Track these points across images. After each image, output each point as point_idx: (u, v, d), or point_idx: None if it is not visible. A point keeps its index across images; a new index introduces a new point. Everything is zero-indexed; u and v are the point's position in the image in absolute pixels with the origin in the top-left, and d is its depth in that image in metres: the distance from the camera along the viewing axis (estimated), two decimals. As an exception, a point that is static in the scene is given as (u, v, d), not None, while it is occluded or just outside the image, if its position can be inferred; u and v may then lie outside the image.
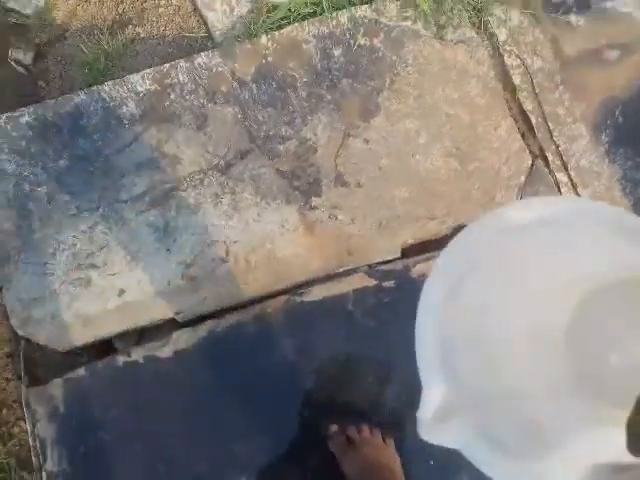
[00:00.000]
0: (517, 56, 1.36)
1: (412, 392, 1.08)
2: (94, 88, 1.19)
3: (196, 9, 1.37)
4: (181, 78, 1.21)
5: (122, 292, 1.09)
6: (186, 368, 1.07)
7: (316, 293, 1.13)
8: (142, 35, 1.36)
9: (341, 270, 1.16)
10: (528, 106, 1.33)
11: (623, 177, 1.32)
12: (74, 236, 1.11)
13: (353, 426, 1.03)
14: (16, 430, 1.13)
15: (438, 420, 0.39)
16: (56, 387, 1.03)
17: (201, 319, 1.11)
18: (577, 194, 1.30)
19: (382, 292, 1.15)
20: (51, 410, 1.02)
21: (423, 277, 1.16)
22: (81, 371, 1.04)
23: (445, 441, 0.41)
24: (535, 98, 1.34)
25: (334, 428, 1.04)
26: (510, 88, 1.33)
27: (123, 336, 1.10)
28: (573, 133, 1.32)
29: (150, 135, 1.17)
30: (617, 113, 1.35)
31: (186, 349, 1.07)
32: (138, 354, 1.06)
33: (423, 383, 0.41)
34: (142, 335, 1.12)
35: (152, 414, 1.05)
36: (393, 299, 1.14)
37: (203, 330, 1.08)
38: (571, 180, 1.30)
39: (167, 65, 1.22)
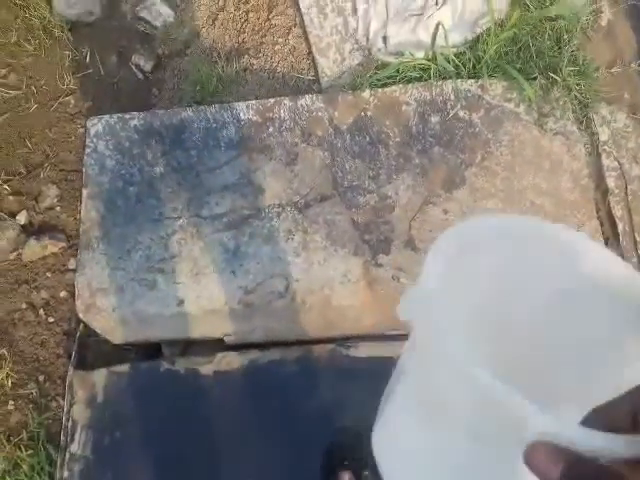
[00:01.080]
0: (615, 159, 1.35)
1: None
2: (202, 107, 1.27)
3: (310, 52, 1.45)
4: (282, 114, 1.27)
5: (181, 302, 1.14)
6: (222, 389, 1.09)
7: (363, 350, 1.14)
8: (255, 66, 1.45)
9: (392, 333, 1.16)
10: (617, 212, 1.30)
11: None
12: (151, 239, 1.18)
13: None
14: (53, 405, 1.19)
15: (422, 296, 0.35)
16: (100, 376, 1.08)
17: (247, 346, 1.13)
18: None
19: (428, 364, 1.13)
20: (90, 396, 1.07)
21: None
22: (126, 367, 1.09)
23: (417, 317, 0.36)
24: (626, 205, 1.31)
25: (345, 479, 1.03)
26: (602, 189, 1.32)
27: (172, 344, 1.15)
28: (658, 248, 1.28)
29: (242, 161, 1.24)
30: None
31: (227, 372, 1.10)
32: (181, 365, 1.10)
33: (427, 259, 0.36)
34: (188, 347, 1.16)
35: (181, 424, 1.08)
36: (438, 374, 1.12)
37: (247, 357, 1.11)
38: None
39: (272, 100, 1.29)
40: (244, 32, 1.51)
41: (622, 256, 1.27)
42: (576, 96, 1.36)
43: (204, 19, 1.58)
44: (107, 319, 1.13)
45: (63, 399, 1.12)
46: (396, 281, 1.18)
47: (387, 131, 1.27)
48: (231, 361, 1.10)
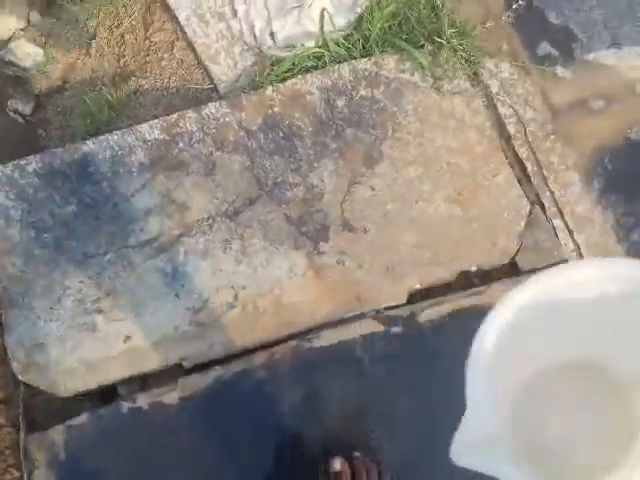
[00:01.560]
0: (510, 106, 1.52)
1: (416, 445, 1.15)
2: (102, 137, 1.29)
3: (200, 62, 1.51)
4: (189, 127, 1.32)
5: (128, 338, 1.15)
6: (191, 414, 1.12)
7: (325, 339, 1.21)
8: (146, 87, 1.49)
9: (349, 315, 1.24)
10: (523, 154, 1.47)
11: (616, 223, 1.45)
12: (81, 281, 1.17)
13: (362, 469, 1.06)
14: (7, 478, 1.14)
15: (476, 444, 0.46)
16: (57, 433, 1.07)
17: (208, 365, 1.16)
18: (574, 240, 1.42)
19: (389, 338, 1.23)
20: (51, 457, 1.05)
21: (430, 323, 1.25)
22: (84, 417, 1.08)
23: (475, 465, 0.48)
24: (529, 147, 1.49)
25: (337, 466, 1.05)
26: (505, 136, 1.48)
27: (127, 382, 1.15)
28: (566, 180, 1.47)
29: (159, 182, 1.27)
30: (606, 161, 1.51)
31: (192, 395, 1.12)
32: (143, 400, 1.11)
33: (468, 404, 0.48)
34: (146, 381, 1.17)
35: (155, 461, 1.08)
36: (400, 346, 1.22)
37: (210, 376, 1.14)
38: (567, 226, 1.43)
39: (175, 115, 1.33)
40: (124, 55, 1.54)
41: (537, 194, 1.43)
42: (462, 55, 1.51)
43: (77, 50, 1.59)
44: (51, 374, 1.12)
45: (18, 470, 1.08)
46: (341, 265, 1.27)
47: (298, 123, 1.36)
48: (194, 384, 1.13)
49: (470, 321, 1.22)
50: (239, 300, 1.21)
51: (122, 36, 1.52)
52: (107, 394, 1.15)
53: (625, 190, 1.48)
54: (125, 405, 1.10)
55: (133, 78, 1.48)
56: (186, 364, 1.17)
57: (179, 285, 1.20)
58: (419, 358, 1.23)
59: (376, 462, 1.03)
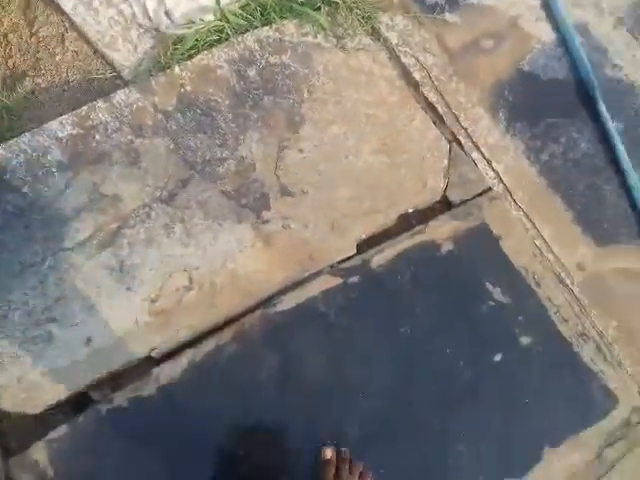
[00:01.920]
0: (412, 55, 1.66)
1: (392, 382, 1.26)
2: (11, 141, 1.26)
3: (97, 51, 1.50)
4: (102, 118, 1.32)
5: (89, 340, 1.16)
6: (173, 402, 1.15)
7: (287, 302, 1.29)
8: (43, 85, 1.46)
9: (306, 275, 1.32)
10: (432, 98, 1.62)
11: (526, 147, 1.64)
12: (25, 293, 1.16)
13: (347, 460, 1.17)
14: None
15: None
16: (39, 450, 1.07)
17: (179, 350, 1.20)
18: (493, 169, 1.59)
19: (348, 289, 1.33)
20: (38, 476, 1.05)
21: (381, 267, 1.36)
22: (63, 429, 1.08)
23: None
24: (436, 90, 1.64)
25: (328, 454, 1.16)
26: (414, 84, 1.62)
27: (99, 386, 1.16)
28: (475, 116, 1.64)
29: (83, 179, 1.27)
30: (506, 94, 1.70)
31: (170, 382, 1.16)
32: (121, 398, 1.13)
33: None
34: (119, 381, 1.18)
35: (146, 455, 1.11)
36: (360, 292, 1.32)
37: (183, 360, 1.18)
38: (485, 157, 1.60)
39: (85, 107, 1.33)
40: (11, 56, 1.50)
41: (452, 132, 1.58)
42: (358, 13, 1.63)
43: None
44: (15, 393, 1.10)
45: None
46: (287, 229, 1.34)
47: (214, 98, 1.40)
48: (169, 371, 1.16)
49: (416, 258, 1.36)
50: (194, 281, 1.25)
51: (5, 36, 1.48)
52: (80, 402, 1.15)
53: (527, 117, 1.68)
54: (103, 407, 1.12)
55: (27, 78, 1.45)
56: (156, 354, 1.20)
57: (129, 278, 1.22)
58: (379, 300, 1.34)
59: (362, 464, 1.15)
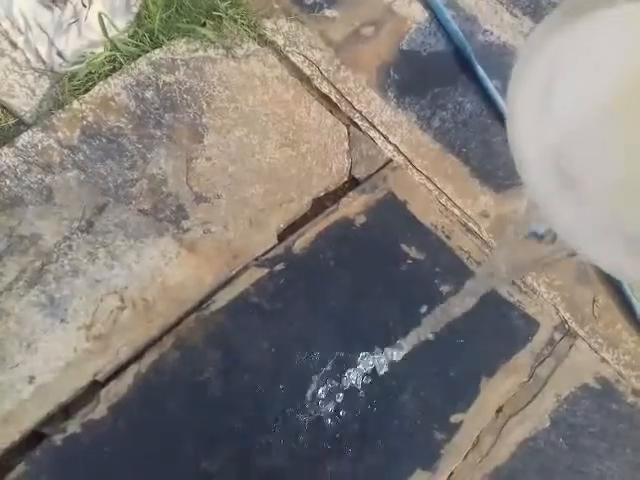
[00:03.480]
0: (299, 53, 1.61)
1: (337, 348, 1.22)
2: None
3: (-5, 101, 1.39)
4: (10, 163, 1.23)
5: (32, 378, 1.07)
6: (126, 418, 1.08)
7: (220, 301, 1.22)
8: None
9: (234, 273, 1.26)
10: (325, 89, 1.57)
11: (417, 118, 1.62)
12: (-43, 347, 1.06)
13: None
14: None
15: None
16: (0, 497, 0.97)
17: (123, 368, 1.12)
18: (391, 143, 1.56)
19: (276, 276, 1.27)
20: (5, 523, 0.96)
21: (304, 250, 1.31)
22: (21, 467, 0.99)
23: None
24: (327, 81, 1.59)
25: None
26: (305, 79, 1.57)
27: (49, 421, 1.08)
28: (367, 98, 1.60)
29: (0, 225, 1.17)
30: (392, 73, 1.66)
31: (120, 400, 1.08)
32: (73, 426, 1.05)
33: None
34: (69, 411, 1.09)
35: (111, 475, 1.04)
36: (288, 277, 1.27)
37: (128, 376, 1.11)
38: (381, 134, 1.57)
39: (-11, 156, 1.23)
40: None
41: (348, 117, 1.54)
42: (242, 23, 1.57)
43: None
44: (-35, 446, 1.00)
45: None
46: (208, 233, 1.28)
47: (117, 124, 1.32)
48: (117, 389, 1.09)
49: (334, 236, 1.31)
50: (126, 300, 1.18)
51: None
52: (34, 441, 1.06)
53: (414, 90, 1.65)
54: (57, 438, 1.03)
55: None
56: (101, 378, 1.11)
57: (62, 311, 1.14)
58: (306, 281, 1.29)
59: None
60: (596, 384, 1.38)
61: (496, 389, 1.32)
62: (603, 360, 1.42)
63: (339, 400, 1.21)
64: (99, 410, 1.07)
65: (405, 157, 1.54)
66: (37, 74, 1.43)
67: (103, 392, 1.09)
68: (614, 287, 1.53)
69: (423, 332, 1.28)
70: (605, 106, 0.35)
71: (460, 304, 1.21)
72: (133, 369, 1.13)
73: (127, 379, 1.11)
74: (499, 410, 1.31)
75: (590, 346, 1.43)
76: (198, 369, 1.15)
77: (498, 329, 1.37)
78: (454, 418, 1.26)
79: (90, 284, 1.18)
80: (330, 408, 1.20)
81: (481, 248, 1.42)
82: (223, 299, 1.23)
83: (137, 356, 1.15)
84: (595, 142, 0.37)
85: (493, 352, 1.35)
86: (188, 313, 1.21)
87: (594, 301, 1.51)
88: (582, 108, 0.37)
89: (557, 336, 1.41)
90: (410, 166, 1.52)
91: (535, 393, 1.36)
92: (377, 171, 1.46)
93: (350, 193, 1.42)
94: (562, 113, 0.35)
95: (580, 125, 0.37)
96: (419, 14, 1.80)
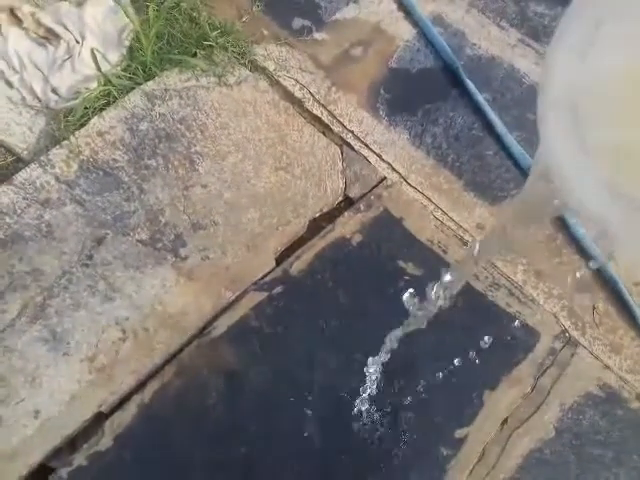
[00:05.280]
0: (290, 77, 1.64)
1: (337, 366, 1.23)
2: None
3: (-6, 140, 1.42)
4: (9, 200, 1.26)
5: (37, 413, 1.09)
6: (132, 448, 1.09)
7: (220, 327, 1.24)
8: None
9: (233, 298, 1.28)
10: (316, 111, 1.60)
11: (410, 135, 1.64)
12: (-37, 385, 1.08)
13: None
14: None
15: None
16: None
17: (126, 398, 1.14)
18: (384, 161, 1.58)
19: (275, 299, 1.29)
20: None
21: (302, 273, 1.33)
22: (31, 504, 1.01)
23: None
24: (319, 104, 1.62)
25: None
26: (297, 102, 1.60)
27: (56, 453, 1.09)
28: (358, 118, 1.62)
29: (1, 262, 1.19)
30: (382, 92, 1.69)
31: (125, 430, 1.09)
32: (80, 458, 1.06)
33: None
34: (75, 444, 1.11)
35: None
36: (287, 300, 1.28)
37: (132, 407, 1.12)
38: (374, 152, 1.59)
39: (-11, 195, 1.25)
40: None
41: (340, 137, 1.57)
42: (233, 50, 1.60)
43: None
44: (-27, 484, 1.02)
45: None
46: (207, 260, 1.30)
47: (113, 157, 1.35)
48: (121, 420, 1.10)
49: (331, 256, 1.33)
50: (128, 331, 1.20)
51: None
52: (40, 474, 1.07)
53: (404, 108, 1.68)
54: (64, 472, 1.04)
55: None
56: (105, 409, 1.13)
57: (64, 344, 1.15)
58: (305, 303, 1.30)
59: None
60: (600, 391, 1.38)
61: (500, 401, 1.32)
62: (606, 367, 1.42)
63: (342, 419, 1.21)
64: (105, 442, 1.09)
65: (399, 174, 1.56)
66: (33, 111, 1.47)
67: (108, 423, 1.10)
68: (614, 293, 1.53)
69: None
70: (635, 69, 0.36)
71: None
72: (136, 399, 1.14)
73: (131, 409, 1.13)
74: (504, 422, 1.31)
75: (592, 353, 1.43)
76: (201, 396, 1.16)
77: (498, 340, 1.38)
78: (459, 433, 1.26)
79: (91, 316, 1.19)
80: (333, 428, 1.21)
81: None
82: (224, 325, 1.24)
83: (140, 386, 1.17)
84: (612, 101, 0.38)
85: (495, 364, 1.36)
86: (189, 340, 1.22)
87: (594, 308, 1.51)
88: (615, 63, 0.37)
89: (558, 345, 1.42)
90: (404, 183, 1.54)
91: (539, 403, 1.36)
92: (372, 189, 1.48)
93: (346, 213, 1.44)
94: (595, 62, 0.36)
95: (606, 80, 0.38)
96: (407, 32, 1.83)
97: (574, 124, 0.38)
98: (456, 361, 1.32)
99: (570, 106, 0.39)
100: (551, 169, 0.41)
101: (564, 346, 1.41)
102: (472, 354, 1.35)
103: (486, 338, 1.36)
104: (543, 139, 0.41)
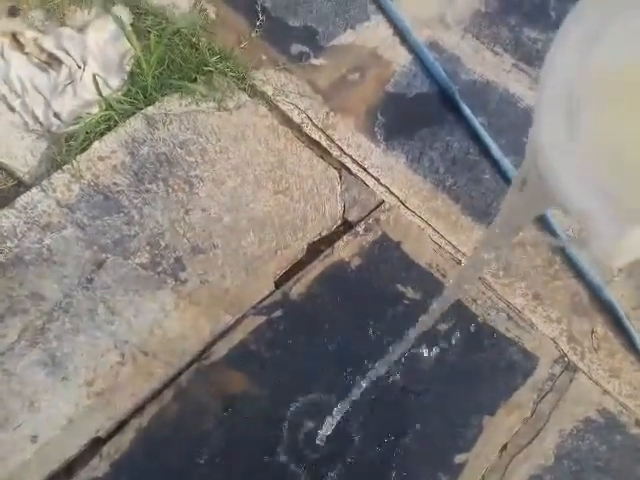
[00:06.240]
0: (289, 102, 1.69)
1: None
2: None
3: (-5, 164, 1.46)
4: (10, 224, 1.28)
5: (34, 438, 1.10)
6: (129, 472, 1.10)
7: (219, 351, 1.26)
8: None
9: (232, 321, 1.30)
10: (315, 135, 1.64)
11: (407, 159, 1.69)
12: (-39, 410, 1.09)
13: None
14: None
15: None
16: None
17: (124, 422, 1.15)
18: (382, 185, 1.62)
19: (274, 323, 1.31)
20: None
21: (301, 296, 1.36)
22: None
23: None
24: (317, 128, 1.66)
25: None
26: (295, 127, 1.64)
27: (53, 478, 1.10)
28: (356, 142, 1.67)
29: (1, 286, 1.22)
30: (379, 116, 1.74)
31: (122, 456, 1.10)
32: (77, 486, 1.07)
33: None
34: (72, 468, 1.12)
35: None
36: (286, 324, 1.31)
37: (129, 432, 1.13)
38: (373, 176, 1.63)
39: (-10, 219, 1.28)
40: None
41: (339, 161, 1.61)
42: (232, 75, 1.65)
43: None
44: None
45: None
46: (206, 283, 1.32)
47: (114, 181, 1.39)
48: (118, 445, 1.11)
49: (330, 280, 1.36)
50: (127, 355, 1.21)
51: None
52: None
53: (401, 132, 1.73)
54: (58, 499, 1.05)
55: None
56: (102, 434, 1.14)
57: (63, 369, 1.17)
58: (304, 327, 1.33)
59: None
60: (599, 417, 1.40)
61: (499, 427, 1.34)
62: (605, 392, 1.44)
63: (341, 443, 1.23)
64: (102, 467, 1.10)
65: (397, 198, 1.60)
66: (35, 136, 1.51)
67: (105, 449, 1.11)
68: (612, 317, 1.56)
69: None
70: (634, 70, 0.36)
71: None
72: (135, 423, 1.15)
73: (129, 434, 1.14)
74: (503, 448, 1.33)
75: (591, 378, 1.45)
76: (199, 420, 1.18)
77: (497, 366, 1.40)
78: (458, 458, 1.28)
79: (90, 341, 1.21)
80: (332, 452, 1.22)
81: (477, 285, 1.46)
82: (223, 349, 1.26)
83: (138, 410, 1.18)
84: (612, 99, 0.38)
85: (494, 389, 1.38)
86: (188, 365, 1.24)
87: (592, 332, 1.54)
88: (614, 63, 0.38)
89: (557, 370, 1.44)
90: (402, 207, 1.58)
91: (538, 429, 1.37)
92: (370, 213, 1.52)
93: (344, 236, 1.47)
94: (596, 60, 0.37)
95: (603, 78, 0.38)
96: (403, 57, 1.89)
97: (569, 121, 0.39)
98: (455, 385, 1.34)
99: (568, 101, 0.39)
100: (540, 164, 0.41)
101: (563, 371, 1.43)
102: (471, 379, 1.37)
103: (484, 362, 1.39)
104: (535, 134, 0.41)
